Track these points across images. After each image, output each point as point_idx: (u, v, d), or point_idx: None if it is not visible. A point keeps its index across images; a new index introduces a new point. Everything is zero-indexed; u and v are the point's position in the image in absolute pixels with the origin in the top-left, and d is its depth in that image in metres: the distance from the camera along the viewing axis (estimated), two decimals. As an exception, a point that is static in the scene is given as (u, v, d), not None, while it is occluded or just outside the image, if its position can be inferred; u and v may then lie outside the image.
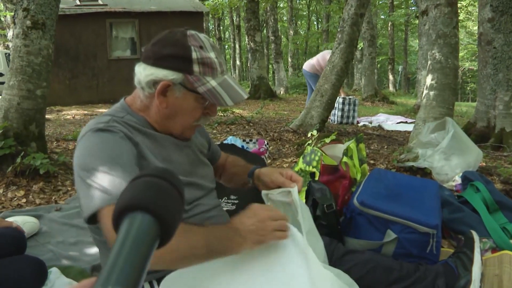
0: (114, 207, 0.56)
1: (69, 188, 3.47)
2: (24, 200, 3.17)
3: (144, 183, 0.59)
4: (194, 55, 1.30)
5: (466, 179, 2.70)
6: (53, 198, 3.24)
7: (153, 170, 0.63)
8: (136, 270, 0.48)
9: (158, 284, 1.39)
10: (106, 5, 12.97)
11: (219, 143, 3.01)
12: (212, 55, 1.33)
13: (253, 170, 1.70)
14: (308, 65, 8.49)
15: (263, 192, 1.56)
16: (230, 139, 3.30)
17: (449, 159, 3.24)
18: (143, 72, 1.33)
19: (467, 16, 27.60)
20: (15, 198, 3.17)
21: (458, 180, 2.95)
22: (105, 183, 1.16)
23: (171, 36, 1.33)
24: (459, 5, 4.93)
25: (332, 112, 7.72)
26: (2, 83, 10.31)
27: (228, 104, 1.32)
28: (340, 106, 8.07)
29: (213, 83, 1.32)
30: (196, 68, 1.30)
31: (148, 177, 0.61)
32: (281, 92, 16.88)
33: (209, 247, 1.17)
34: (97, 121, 1.32)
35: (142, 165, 1.29)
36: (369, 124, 8.18)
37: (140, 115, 1.40)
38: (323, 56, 8.19)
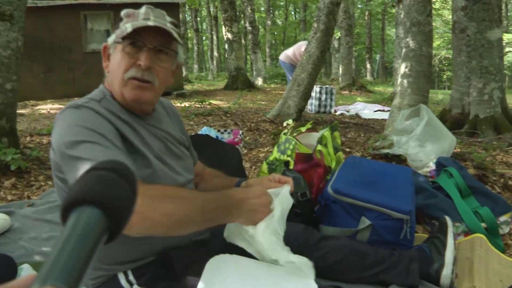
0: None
1: (43, 183, 3.40)
2: (-5, 196, 3.10)
3: (94, 177, 0.58)
4: (123, 13, 1.36)
5: (440, 165, 2.73)
6: (26, 194, 3.18)
7: (105, 163, 0.62)
8: (79, 266, 0.47)
9: (133, 274, 1.37)
10: (80, -4, 12.74)
11: (194, 134, 2.98)
12: (141, 10, 1.36)
13: (240, 182, 1.71)
14: (284, 55, 8.53)
15: None
16: (204, 130, 3.28)
17: (424, 145, 3.27)
18: None
19: (443, 5, 27.89)
20: (-14, 195, 3.10)
21: (432, 166, 2.98)
22: (90, 152, 1.16)
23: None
24: (433, -7, 4.99)
25: (309, 101, 7.75)
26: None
27: (128, 30, 1.29)
28: (317, 95, 8.09)
29: (128, 25, 1.31)
30: (122, 23, 1.35)
31: (99, 170, 0.59)
32: (259, 83, 16.86)
33: (205, 214, 1.21)
34: (74, 101, 1.32)
35: (125, 146, 1.29)
36: (347, 113, 8.22)
37: (114, 99, 1.41)
38: (299, 47, 8.24)
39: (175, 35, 1.34)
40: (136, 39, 1.31)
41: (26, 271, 1.95)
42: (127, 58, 1.32)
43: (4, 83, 3.59)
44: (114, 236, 0.55)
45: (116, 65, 1.34)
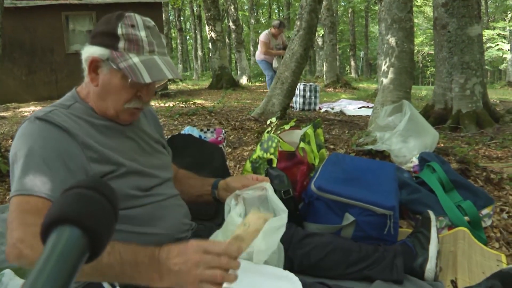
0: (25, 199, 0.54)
1: (25, 186, 3.36)
2: (-24, 200, 3.06)
3: (75, 195, 0.57)
4: (119, 30, 1.29)
5: (423, 160, 2.75)
6: (7, 197, 3.13)
7: (86, 181, 0.61)
8: (59, 287, 0.46)
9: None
10: (61, -3, 12.61)
11: (177, 134, 2.96)
12: (142, 33, 1.31)
13: (217, 181, 1.69)
14: (257, 53, 8.59)
15: (235, 193, 1.54)
16: (187, 129, 3.26)
17: (407, 141, 3.29)
18: (84, 52, 1.34)
19: (425, 1, 28.09)
20: (-34, 199, 3.06)
21: (415, 161, 3.00)
22: (23, 173, 1.16)
23: (109, 15, 1.34)
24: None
25: (294, 99, 7.75)
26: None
27: (146, 80, 1.27)
28: (302, 93, 8.10)
29: (135, 59, 1.29)
30: (121, 44, 1.29)
31: (80, 188, 0.58)
32: (244, 81, 16.85)
33: (120, 270, 1.06)
34: (40, 110, 1.31)
35: (86, 155, 1.26)
36: (331, 110, 8.24)
37: (86, 103, 1.39)
38: (260, 41, 8.34)
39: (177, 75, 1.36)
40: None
41: (7, 276, 1.93)
42: (129, 91, 1.34)
43: (-17, 86, 3.54)
44: (93, 258, 0.55)
45: (114, 92, 1.33)
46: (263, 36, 8.39)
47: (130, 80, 1.29)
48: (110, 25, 1.31)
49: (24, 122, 1.28)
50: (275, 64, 8.20)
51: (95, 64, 1.32)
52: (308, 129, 2.53)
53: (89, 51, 1.32)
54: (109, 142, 1.36)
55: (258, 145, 2.49)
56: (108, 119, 1.40)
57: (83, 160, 1.25)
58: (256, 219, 1.12)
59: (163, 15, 16.44)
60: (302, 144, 2.42)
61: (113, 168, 1.31)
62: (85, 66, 1.35)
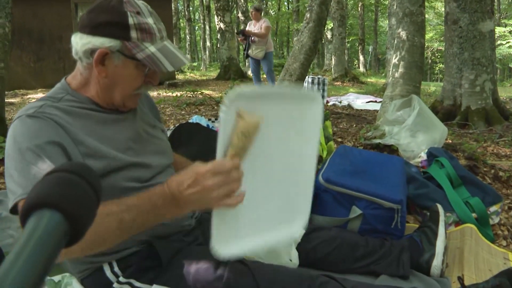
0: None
1: (32, 172, 3.37)
2: (-17, 185, 3.06)
3: (55, 179, 0.56)
4: (131, 20, 1.24)
5: (431, 155, 2.73)
6: (10, 204, 3.14)
7: (66, 165, 0.60)
8: (36, 272, 0.45)
9: (118, 265, 1.36)
10: (70, -16, 12.61)
11: (184, 122, 2.96)
12: (150, 20, 1.28)
13: None
14: None
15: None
16: (195, 118, 3.26)
17: (415, 136, 3.27)
18: (79, 42, 1.27)
19: (436, -4, 27.86)
20: (-26, 183, 3.07)
21: (423, 156, 2.98)
22: (22, 175, 1.12)
23: (106, 3, 1.26)
24: (426, -17, 4.99)
25: (302, 91, 7.72)
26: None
27: (169, 69, 1.27)
28: (310, 85, 8.07)
29: (152, 49, 1.27)
30: (133, 34, 1.25)
31: (60, 172, 0.57)
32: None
33: (125, 227, 1.10)
34: (30, 105, 1.26)
35: (80, 151, 1.23)
36: (339, 104, 8.22)
37: (79, 93, 1.34)
38: None
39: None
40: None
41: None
42: (141, 78, 1.32)
43: (-8, 71, 3.55)
44: (75, 240, 0.53)
45: (128, 81, 1.32)
46: None
47: (148, 69, 1.29)
48: (116, 14, 1.24)
49: (15, 120, 1.23)
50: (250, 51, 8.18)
51: (102, 56, 1.26)
52: (317, 121, 2.52)
53: (94, 43, 1.24)
54: (105, 133, 1.33)
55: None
56: (104, 108, 1.36)
57: (77, 154, 1.23)
58: (249, 125, 1.04)
59: (172, 5, 16.38)
60: (310, 136, 2.41)
61: (108, 162, 1.28)
62: (81, 56, 1.28)
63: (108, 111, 1.37)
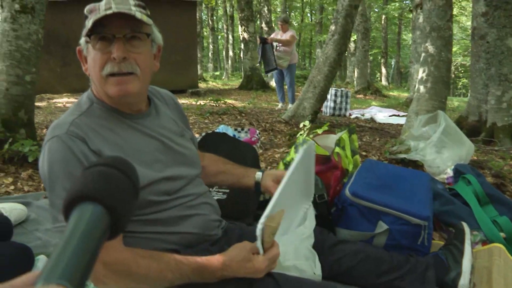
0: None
1: (58, 176, 3.42)
2: (12, 187, 3.12)
3: (95, 173, 0.57)
4: (86, 9, 1.27)
5: (458, 172, 2.70)
6: (42, 185, 3.20)
7: (105, 159, 0.61)
8: (83, 264, 0.46)
9: None
10: (98, -8, 12.83)
11: (211, 132, 2.98)
12: (103, 1, 1.26)
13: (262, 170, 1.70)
14: None
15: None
16: (221, 128, 3.28)
17: (441, 152, 3.24)
18: None
19: (461, 11, 27.66)
20: (3, 185, 3.12)
21: (449, 173, 2.95)
22: (60, 205, 1.15)
23: None
24: (453, -2, 4.96)
25: (324, 104, 7.73)
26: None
27: (88, 24, 1.22)
28: (333, 98, 8.07)
29: (90, 21, 1.23)
30: (87, 21, 1.26)
31: (100, 166, 0.59)
32: (274, 83, 16.84)
33: (173, 284, 1.20)
34: (61, 122, 1.27)
35: None
36: (361, 117, 8.19)
37: (99, 99, 1.35)
38: None
39: (140, 16, 1.23)
40: (103, 32, 1.23)
41: (42, 261, 1.96)
42: (99, 55, 1.25)
43: (24, 75, 3.63)
44: (117, 233, 0.55)
45: (92, 65, 1.28)
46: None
47: (83, 37, 1.28)
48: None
49: (47, 143, 1.23)
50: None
51: (81, 55, 1.33)
52: (343, 134, 2.52)
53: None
54: (131, 145, 1.33)
55: (293, 148, 2.48)
56: (128, 115, 1.37)
57: None
58: (277, 224, 1.25)
59: (197, 14, 16.55)
60: (337, 149, 2.41)
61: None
62: None
63: (129, 114, 1.37)
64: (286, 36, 8.15)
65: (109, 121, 1.32)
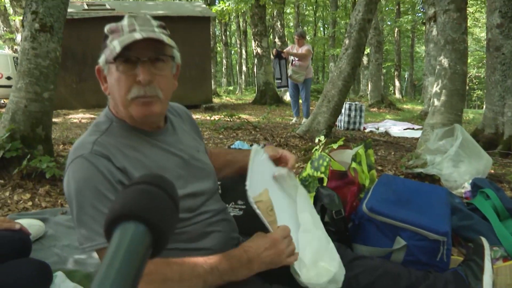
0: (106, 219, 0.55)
1: (75, 192, 3.45)
2: (30, 203, 3.15)
3: (136, 191, 0.57)
4: (106, 29, 1.28)
5: (476, 186, 2.67)
6: (59, 201, 3.23)
7: (145, 176, 0.61)
8: (128, 283, 0.46)
9: None
10: (114, 9, 13.01)
11: (226, 147, 2.99)
12: (124, 22, 1.27)
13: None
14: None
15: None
16: (237, 144, 3.28)
17: (458, 166, 3.21)
18: None
19: (474, 22, 27.55)
20: (21, 201, 3.16)
21: (467, 187, 2.92)
22: (94, 223, 1.17)
23: None
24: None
25: (339, 118, 7.72)
26: (11, 86, 10.38)
27: (116, 50, 1.21)
28: (347, 112, 8.06)
29: (115, 42, 1.23)
30: (108, 40, 1.27)
31: (140, 184, 0.59)
32: (287, 98, 16.87)
33: (220, 280, 1.23)
34: (83, 142, 1.28)
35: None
36: (376, 130, 8.15)
37: (118, 118, 1.36)
38: None
39: (167, 39, 1.25)
40: (129, 55, 1.23)
41: (60, 278, 1.98)
42: (124, 78, 1.25)
43: (42, 92, 3.68)
44: (159, 252, 0.55)
45: (116, 87, 1.27)
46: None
47: (107, 60, 1.27)
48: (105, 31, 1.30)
49: (71, 163, 1.24)
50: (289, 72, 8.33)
51: (100, 74, 1.32)
52: (360, 149, 2.51)
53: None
54: (156, 162, 1.34)
55: (309, 163, 2.48)
56: (147, 133, 1.37)
57: None
58: (266, 200, 1.38)
59: (210, 29, 16.71)
60: (353, 164, 2.40)
61: None
62: None
63: (149, 132, 1.38)
64: (302, 50, 8.18)
65: (130, 139, 1.33)
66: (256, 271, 1.27)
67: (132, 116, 1.31)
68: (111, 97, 1.33)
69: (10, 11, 11.34)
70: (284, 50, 8.34)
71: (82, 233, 1.18)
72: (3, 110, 4.05)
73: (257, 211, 1.31)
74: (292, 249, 1.31)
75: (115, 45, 1.22)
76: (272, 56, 8.39)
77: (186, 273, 1.18)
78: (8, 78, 12.66)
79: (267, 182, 1.54)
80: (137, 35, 1.20)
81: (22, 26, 3.75)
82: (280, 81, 8.49)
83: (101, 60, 1.30)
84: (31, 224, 2.51)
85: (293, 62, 8.20)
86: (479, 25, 28.14)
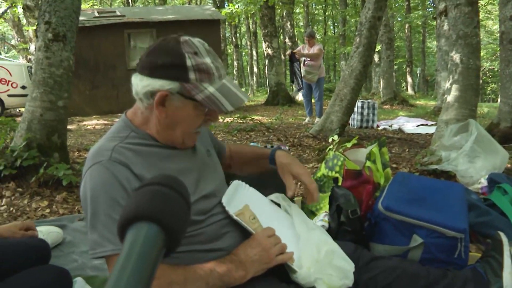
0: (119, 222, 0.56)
1: (92, 198, 3.49)
2: (48, 210, 3.20)
3: (149, 192, 0.58)
4: (188, 62, 1.25)
5: (493, 181, 2.65)
6: (76, 208, 3.27)
7: (158, 178, 0.62)
8: (142, 284, 0.47)
9: None
10: (124, 16, 13.13)
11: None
12: (207, 60, 1.29)
13: (272, 155, 1.70)
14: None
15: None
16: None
17: (474, 161, 3.18)
18: (139, 84, 1.29)
19: (487, 15, 27.27)
20: (39, 209, 3.20)
21: (483, 182, 2.89)
22: (106, 230, 1.18)
23: (164, 44, 1.28)
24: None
25: (352, 116, 7.69)
26: (26, 95, 10.51)
27: (228, 109, 1.27)
28: (360, 110, 8.03)
29: (211, 89, 1.27)
30: (192, 75, 1.26)
31: (153, 185, 0.59)
32: (300, 98, 16.84)
33: (209, 284, 1.26)
34: (101, 148, 1.30)
35: None
36: (389, 128, 8.11)
37: (141, 129, 1.37)
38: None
39: (246, 100, 1.39)
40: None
41: (79, 284, 2.00)
42: (201, 118, 1.34)
43: (57, 101, 3.73)
44: (169, 253, 0.56)
45: (188, 121, 1.32)
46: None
47: (207, 109, 1.31)
48: (174, 56, 1.26)
49: (89, 169, 1.26)
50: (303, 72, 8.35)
51: (163, 98, 1.27)
52: (374, 148, 2.50)
53: (154, 85, 1.26)
54: (172, 168, 1.36)
55: (323, 163, 2.47)
56: (168, 145, 1.40)
57: None
58: (247, 211, 1.46)
59: (220, 32, 16.76)
60: (368, 163, 2.39)
61: None
62: (142, 97, 1.30)
63: (168, 146, 1.40)
64: (313, 50, 8.18)
65: (148, 147, 1.36)
66: (252, 272, 1.31)
67: (183, 143, 1.39)
68: (168, 123, 1.33)
69: (24, 21, 11.46)
70: (295, 51, 8.33)
71: (94, 239, 1.19)
72: (19, 119, 4.11)
73: (240, 221, 1.40)
74: (281, 247, 1.35)
75: (217, 96, 1.27)
76: (282, 57, 8.39)
77: (190, 276, 1.23)
78: (23, 87, 12.82)
79: (256, 205, 1.57)
80: (241, 96, 1.33)
81: (36, 36, 3.81)
82: (298, 84, 8.48)
83: (170, 87, 1.27)
84: (49, 231, 2.54)
85: (305, 63, 8.20)
86: (492, 17, 27.84)
